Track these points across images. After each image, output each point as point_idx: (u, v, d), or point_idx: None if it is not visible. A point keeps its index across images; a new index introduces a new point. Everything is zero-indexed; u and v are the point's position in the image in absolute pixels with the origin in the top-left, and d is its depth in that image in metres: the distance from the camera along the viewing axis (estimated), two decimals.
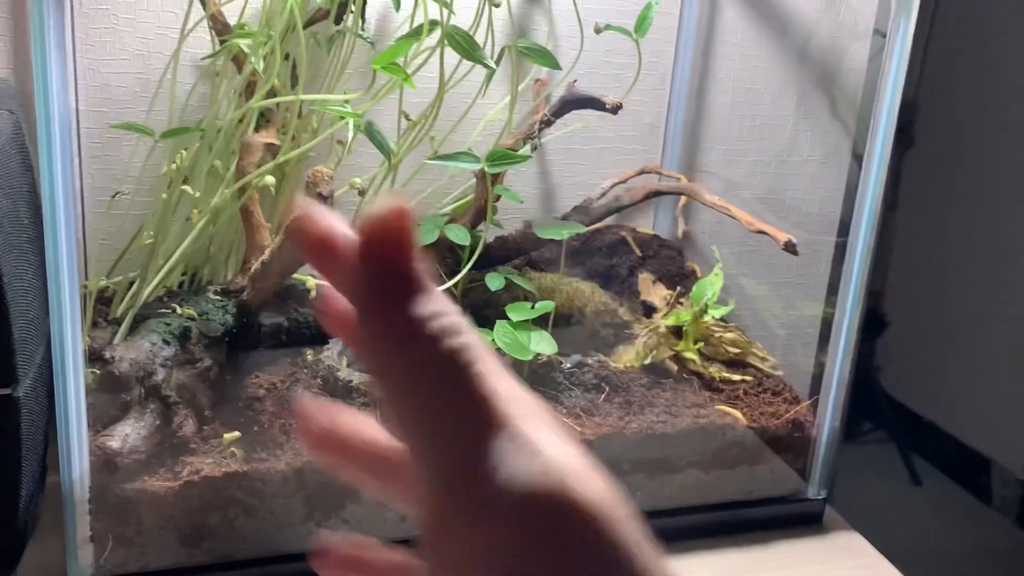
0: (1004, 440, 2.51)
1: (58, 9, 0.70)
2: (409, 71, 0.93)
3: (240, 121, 0.95)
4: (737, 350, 1.05)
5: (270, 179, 0.91)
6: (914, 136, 2.71)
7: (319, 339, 0.97)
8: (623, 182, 1.17)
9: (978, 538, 2.44)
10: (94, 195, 1.02)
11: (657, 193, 1.17)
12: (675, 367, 1.02)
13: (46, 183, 0.71)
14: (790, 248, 0.97)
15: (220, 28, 0.95)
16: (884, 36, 0.94)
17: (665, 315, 1.06)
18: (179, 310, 0.90)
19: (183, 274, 1.01)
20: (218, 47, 0.96)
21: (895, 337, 2.82)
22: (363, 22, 1.01)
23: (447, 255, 1.05)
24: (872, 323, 2.80)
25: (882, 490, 2.55)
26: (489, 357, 0.27)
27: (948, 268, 2.70)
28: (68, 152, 0.72)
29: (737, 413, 0.98)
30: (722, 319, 1.06)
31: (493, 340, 0.94)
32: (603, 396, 0.97)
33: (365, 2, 0.99)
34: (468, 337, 0.27)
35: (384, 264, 0.26)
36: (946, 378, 2.70)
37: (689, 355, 1.02)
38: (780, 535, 0.99)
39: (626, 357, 1.02)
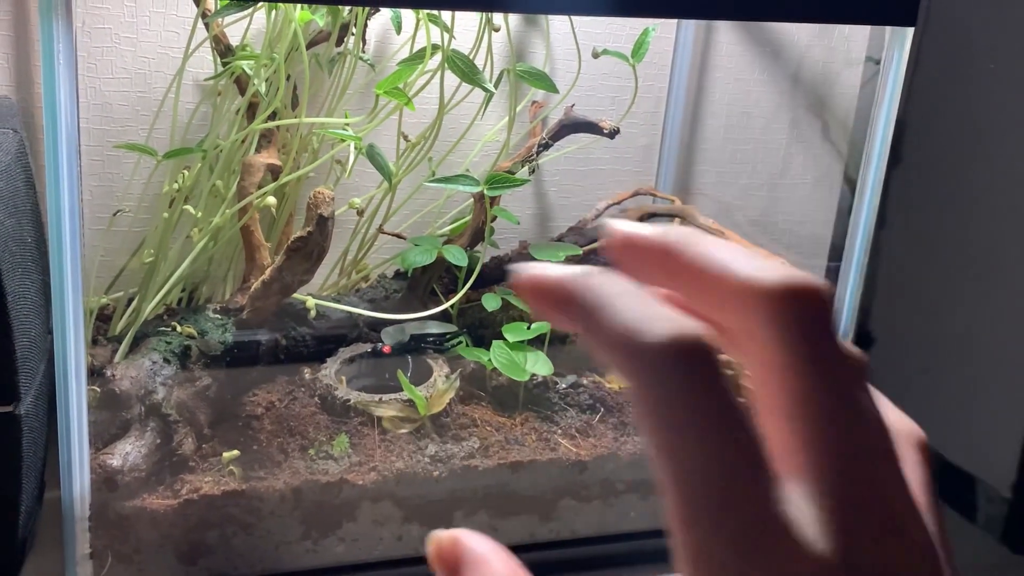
0: (990, 458, 2.52)
1: (67, 32, 0.70)
2: (409, 93, 0.94)
3: (242, 142, 0.96)
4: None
5: (271, 200, 0.91)
6: (901, 154, 2.73)
7: (317, 357, 0.97)
8: (618, 203, 1.18)
9: (963, 556, 2.43)
10: (93, 212, 1.03)
11: (651, 215, 1.18)
12: None
13: (53, 202, 0.72)
14: None
15: (222, 50, 0.96)
16: (877, 63, 0.96)
17: None
18: (179, 328, 0.91)
19: (182, 291, 1.01)
20: (220, 67, 0.97)
21: (880, 355, 2.84)
22: (364, 44, 1.02)
23: (444, 275, 1.06)
24: (857, 341, 2.81)
25: None
26: None
27: (933, 286, 2.72)
28: (75, 172, 0.72)
29: None
30: None
31: (489, 360, 0.95)
32: (598, 417, 0.98)
33: (366, 25, 1.00)
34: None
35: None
36: (931, 396, 2.72)
37: None
38: None
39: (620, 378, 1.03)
